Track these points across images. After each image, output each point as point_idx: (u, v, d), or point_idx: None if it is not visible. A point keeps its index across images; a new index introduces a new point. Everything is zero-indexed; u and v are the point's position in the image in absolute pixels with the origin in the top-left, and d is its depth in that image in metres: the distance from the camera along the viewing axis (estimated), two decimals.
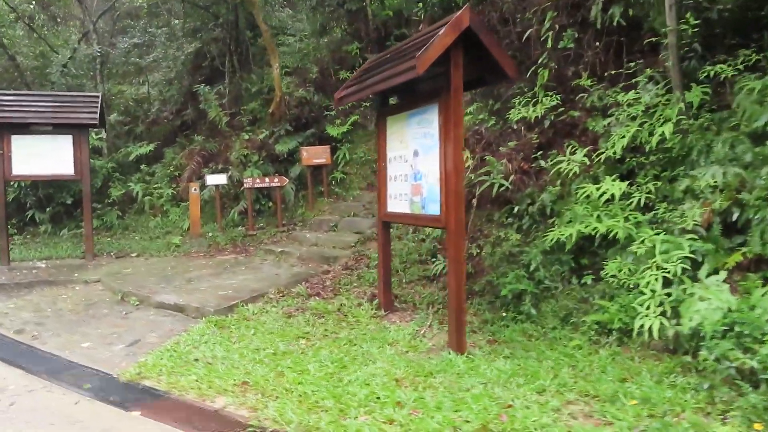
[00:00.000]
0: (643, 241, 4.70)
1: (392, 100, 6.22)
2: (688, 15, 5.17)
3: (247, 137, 11.99)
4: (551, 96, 6.18)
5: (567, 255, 5.73)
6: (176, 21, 15.36)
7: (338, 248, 8.52)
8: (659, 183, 5.28)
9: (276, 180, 10.73)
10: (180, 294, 6.87)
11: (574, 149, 5.90)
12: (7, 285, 7.90)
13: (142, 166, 12.46)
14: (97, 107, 9.56)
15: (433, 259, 7.48)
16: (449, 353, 4.83)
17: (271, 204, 11.51)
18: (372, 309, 6.24)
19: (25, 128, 9.17)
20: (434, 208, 5.06)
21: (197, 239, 10.41)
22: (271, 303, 6.58)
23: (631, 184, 5.43)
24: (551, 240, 5.49)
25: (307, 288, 7.10)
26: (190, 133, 13.71)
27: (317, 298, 6.78)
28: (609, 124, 5.71)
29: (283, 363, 4.79)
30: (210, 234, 10.58)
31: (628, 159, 5.59)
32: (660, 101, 5.47)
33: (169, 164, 12.48)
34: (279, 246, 9.24)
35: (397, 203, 5.86)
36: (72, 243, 10.70)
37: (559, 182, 6.08)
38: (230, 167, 11.48)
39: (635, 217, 5.25)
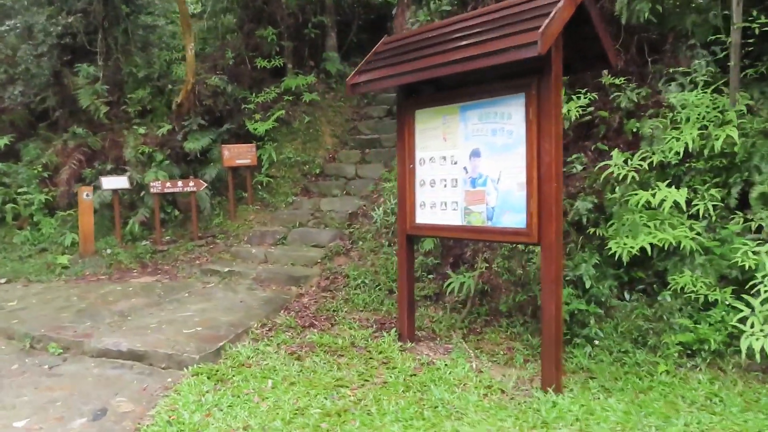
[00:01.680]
0: (746, 254, 4.35)
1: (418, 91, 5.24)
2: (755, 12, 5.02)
3: (142, 132, 9.97)
4: (584, 94, 5.69)
5: (616, 269, 5.29)
6: None
7: (300, 266, 7.24)
8: (714, 190, 5.04)
9: (191, 183, 9.00)
10: (127, 335, 5.17)
11: (609, 153, 5.47)
12: None
13: (0, 164, 9.71)
14: None
15: (429, 276, 6.63)
16: (547, 394, 4.05)
17: (177, 212, 9.69)
18: (392, 340, 5.20)
19: None
20: (514, 220, 4.24)
21: (91, 258, 8.31)
22: (263, 341, 5.20)
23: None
24: (616, 253, 4.97)
25: (294, 318, 5.80)
26: (54, 125, 11.13)
27: (314, 330, 5.54)
28: (652, 126, 5.38)
29: (350, 427, 3.64)
30: (108, 251, 8.51)
31: (676, 164, 5.29)
32: (702, 102, 5.26)
33: (35, 163, 9.90)
34: (220, 264, 7.63)
35: (434, 213, 4.92)
36: None
37: (591, 189, 5.63)
38: (127, 168, 9.41)
39: (696, 227, 4.95)
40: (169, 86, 11.15)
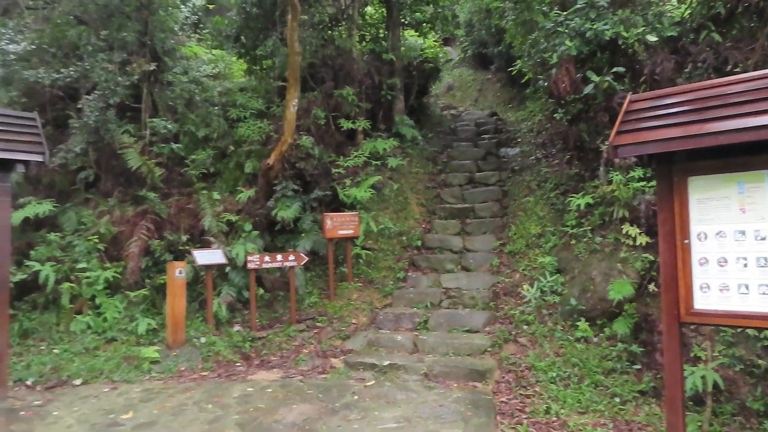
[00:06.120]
0: None
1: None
2: None
3: (217, 197, 9.19)
4: None
5: None
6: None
7: (466, 356, 6.49)
8: None
9: (291, 257, 8.21)
10: None
11: None
12: None
13: (52, 235, 8.58)
14: (39, 134, 6.40)
15: (634, 366, 6.02)
16: None
17: (263, 291, 8.79)
18: None
19: None
20: None
21: (182, 349, 7.29)
22: None
23: None
24: None
25: (523, 426, 5.01)
26: (90, 187, 10.14)
27: None
28: None
29: None
30: (202, 339, 7.50)
31: None
32: None
33: (90, 232, 8.82)
34: (368, 356, 6.75)
35: (727, 298, 4.38)
36: None
37: None
38: (211, 239, 8.54)
39: None
40: (231, 147, 10.50)
